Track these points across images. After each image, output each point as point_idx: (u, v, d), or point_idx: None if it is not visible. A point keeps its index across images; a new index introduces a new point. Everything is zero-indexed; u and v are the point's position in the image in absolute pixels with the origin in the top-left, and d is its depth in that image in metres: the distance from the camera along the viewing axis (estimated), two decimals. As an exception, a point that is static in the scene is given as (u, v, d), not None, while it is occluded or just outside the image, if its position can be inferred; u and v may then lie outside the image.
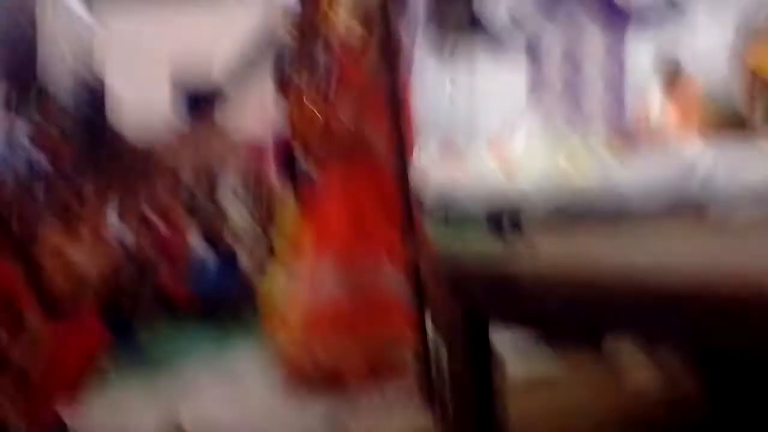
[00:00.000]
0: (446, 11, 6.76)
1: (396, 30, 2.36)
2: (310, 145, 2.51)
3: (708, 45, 5.20)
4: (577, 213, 2.78)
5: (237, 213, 5.21)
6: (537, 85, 6.36)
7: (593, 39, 6.03)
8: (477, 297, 1.71)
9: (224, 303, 3.89)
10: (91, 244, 3.72)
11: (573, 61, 6.15)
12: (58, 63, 10.28)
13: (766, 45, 3.79)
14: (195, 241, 4.70)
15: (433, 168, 3.61)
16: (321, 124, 2.43)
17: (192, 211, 5.02)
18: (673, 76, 4.83)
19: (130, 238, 4.01)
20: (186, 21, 11.70)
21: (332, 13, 2.47)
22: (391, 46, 2.30)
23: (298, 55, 2.51)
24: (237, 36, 11.05)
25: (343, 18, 2.45)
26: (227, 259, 4.06)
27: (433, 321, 1.72)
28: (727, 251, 1.49)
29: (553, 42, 6.28)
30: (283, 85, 2.57)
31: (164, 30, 11.67)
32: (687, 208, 2.27)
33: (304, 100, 2.48)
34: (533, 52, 6.41)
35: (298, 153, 2.58)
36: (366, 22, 2.46)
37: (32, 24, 9.15)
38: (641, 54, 5.67)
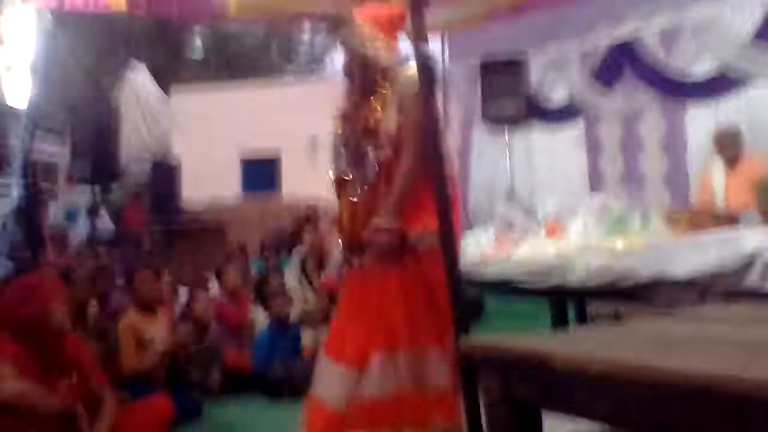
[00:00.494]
0: (503, 88, 6.94)
1: (437, 118, 2.45)
2: (354, 242, 2.60)
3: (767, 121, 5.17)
4: (632, 297, 2.78)
5: (301, 290, 5.32)
6: (596, 164, 6.41)
7: (652, 115, 6.05)
8: (528, 387, 1.74)
9: (286, 380, 3.97)
10: (165, 323, 3.92)
11: (632, 140, 6.17)
12: (135, 141, 10.96)
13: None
14: (260, 317, 4.84)
15: (490, 249, 3.68)
16: (365, 220, 2.54)
17: (258, 286, 5.18)
18: (735, 152, 4.78)
19: (199, 315, 4.18)
20: (251, 99, 12.38)
21: (379, 109, 2.58)
22: (435, 138, 2.39)
23: (348, 150, 2.64)
24: (301, 113, 11.61)
25: (389, 113, 2.56)
26: (290, 335, 4.16)
27: (486, 411, 1.75)
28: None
29: (611, 120, 6.33)
30: (337, 181, 2.69)
31: (231, 108, 12.38)
32: (745, 297, 2.25)
33: (352, 198, 2.60)
34: (592, 131, 6.48)
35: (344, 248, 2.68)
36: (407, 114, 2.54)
37: (113, 105, 9.82)
38: (701, 129, 5.65)
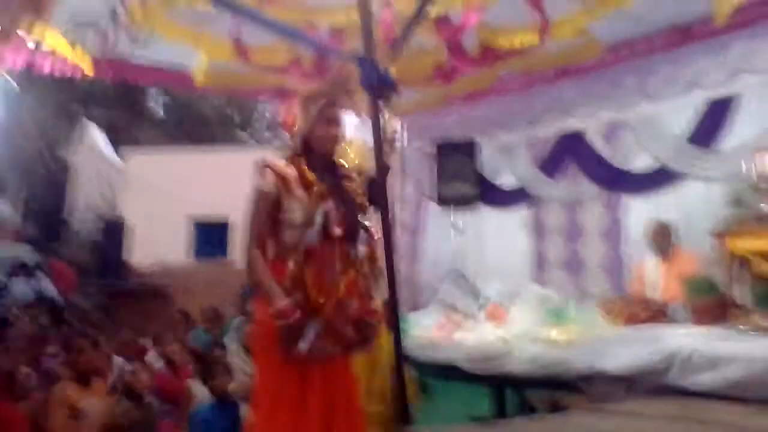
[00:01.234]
0: (457, 169, 7.19)
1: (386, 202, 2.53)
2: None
3: (700, 215, 5.46)
4: (567, 388, 2.87)
5: (241, 360, 5.23)
6: (540, 247, 6.63)
7: (593, 204, 6.33)
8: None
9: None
10: (100, 394, 3.82)
11: (574, 226, 6.42)
12: (85, 201, 10.81)
13: (745, 225, 4.00)
14: (197, 388, 4.73)
15: (434, 331, 3.76)
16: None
17: (199, 359, 5.09)
18: (667, 245, 5.02)
19: (137, 387, 4.08)
20: (205, 164, 12.43)
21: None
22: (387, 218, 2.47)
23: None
24: (248, 173, 11.61)
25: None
26: (230, 412, 4.08)
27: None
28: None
29: (555, 206, 6.59)
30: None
31: (185, 171, 12.39)
32: (667, 393, 2.37)
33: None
34: (537, 216, 6.73)
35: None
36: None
37: (66, 165, 9.72)
38: (639, 220, 5.92)
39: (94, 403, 3.71)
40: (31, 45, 3.95)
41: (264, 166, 2.62)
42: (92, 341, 3.93)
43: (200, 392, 4.56)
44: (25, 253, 8.90)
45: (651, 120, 5.94)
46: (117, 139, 13.24)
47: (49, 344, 4.97)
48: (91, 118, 13.34)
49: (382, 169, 2.47)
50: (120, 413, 3.92)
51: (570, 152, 6.51)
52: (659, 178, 5.89)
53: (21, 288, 8.39)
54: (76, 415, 3.69)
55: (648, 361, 2.49)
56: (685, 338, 2.55)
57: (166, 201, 11.50)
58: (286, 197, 2.54)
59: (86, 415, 3.65)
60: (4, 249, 9.71)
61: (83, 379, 3.83)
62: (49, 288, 8.44)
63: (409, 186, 7.86)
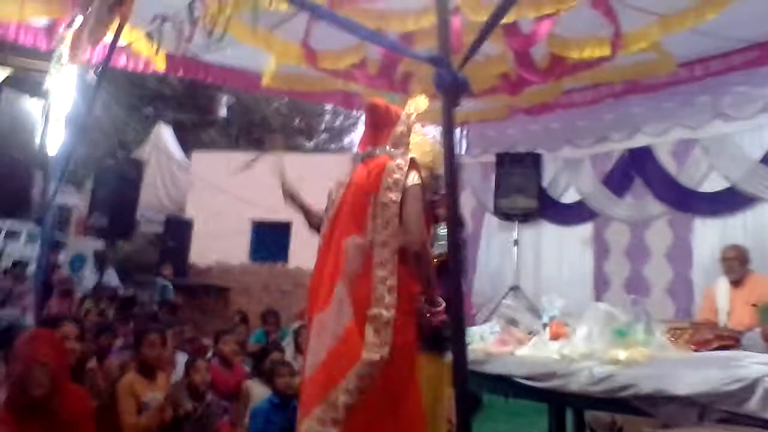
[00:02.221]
0: (517, 182, 7.12)
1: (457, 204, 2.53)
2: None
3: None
4: (631, 409, 2.80)
5: (295, 364, 5.28)
6: (602, 266, 6.49)
7: (659, 224, 6.18)
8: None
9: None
10: (163, 387, 3.92)
11: (639, 246, 6.26)
12: (152, 198, 11.17)
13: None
14: (256, 389, 4.81)
15: (493, 345, 3.72)
16: None
17: (259, 358, 5.16)
18: (741, 271, 4.84)
19: (197, 382, 4.17)
20: (265, 164, 12.65)
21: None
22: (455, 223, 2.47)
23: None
24: (316, 184, 11.81)
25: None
26: (290, 410, 4.13)
27: None
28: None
29: (620, 225, 6.45)
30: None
31: (245, 174, 12.64)
32: (743, 422, 2.28)
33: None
34: (600, 234, 6.60)
35: None
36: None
37: (136, 162, 10.05)
38: (707, 242, 5.75)
39: (158, 396, 3.81)
40: (107, 39, 4.11)
41: (414, 164, 2.64)
42: (160, 336, 4.04)
43: (260, 392, 4.63)
44: (93, 246, 9.26)
45: (724, 139, 5.78)
46: (183, 140, 13.65)
47: (118, 337, 5.14)
48: (160, 118, 13.80)
49: (455, 176, 2.46)
50: (181, 408, 4.03)
51: (637, 169, 6.38)
52: (731, 201, 5.72)
53: (89, 280, 8.73)
54: (139, 408, 3.80)
55: (724, 387, 2.40)
56: (765, 366, 2.45)
57: (229, 202, 11.76)
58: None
59: (149, 408, 3.75)
60: (74, 241, 10.12)
61: (148, 372, 3.94)
62: (115, 281, 8.76)
63: (468, 197, 7.83)
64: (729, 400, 2.38)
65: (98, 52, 5.17)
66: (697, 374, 2.51)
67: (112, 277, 9.07)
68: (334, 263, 2.66)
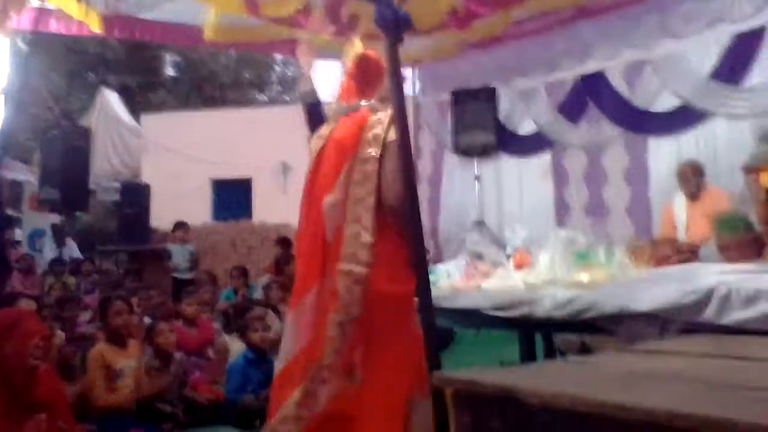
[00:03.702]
0: (474, 118, 7.10)
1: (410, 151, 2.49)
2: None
3: (727, 154, 5.36)
4: (596, 329, 2.87)
5: (269, 313, 5.31)
6: (562, 194, 6.56)
7: (615, 148, 6.24)
8: (498, 420, 1.80)
9: (258, 410, 3.96)
10: (135, 354, 3.90)
11: (597, 171, 6.33)
12: (105, 166, 10.89)
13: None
14: (234, 346, 4.83)
15: (460, 280, 3.76)
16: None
17: (235, 314, 5.17)
18: (696, 185, 4.94)
19: (162, 345, 4.17)
20: (222, 123, 12.41)
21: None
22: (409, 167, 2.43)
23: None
24: (271, 138, 11.66)
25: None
26: (265, 365, 4.15)
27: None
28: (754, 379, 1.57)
29: (577, 152, 6.50)
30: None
31: (201, 132, 12.39)
32: (702, 331, 2.35)
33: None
34: (558, 162, 6.64)
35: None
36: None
37: (83, 130, 9.73)
38: (663, 161, 5.83)
39: (130, 363, 3.79)
40: (35, 3, 3.89)
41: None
42: (126, 304, 4.00)
43: (235, 348, 4.66)
44: (51, 220, 9.04)
45: (674, 58, 5.80)
46: (132, 103, 13.25)
47: (82, 307, 5.08)
48: (105, 84, 13.33)
49: (402, 115, 2.41)
50: (152, 372, 4.03)
51: (591, 95, 6.39)
52: (684, 118, 5.78)
53: (49, 254, 8.55)
54: (113, 376, 3.78)
55: (682, 300, 2.47)
56: (720, 276, 2.52)
57: (185, 162, 11.54)
58: None
59: (123, 376, 3.74)
60: (29, 217, 9.86)
61: (118, 340, 3.91)
62: (76, 253, 8.59)
63: (426, 137, 7.79)
64: (687, 311, 2.45)
65: (25, 19, 4.92)
66: (656, 290, 2.58)
67: (72, 250, 8.90)
68: (315, 223, 2.62)
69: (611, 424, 1.49)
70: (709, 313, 2.39)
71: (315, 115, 2.91)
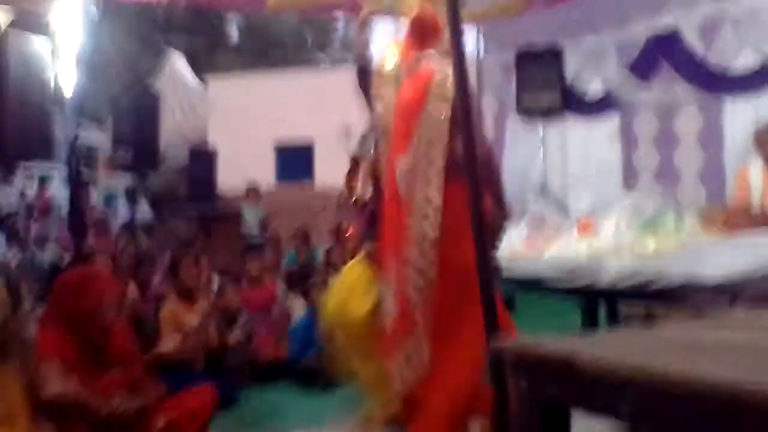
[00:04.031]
0: (539, 79, 6.91)
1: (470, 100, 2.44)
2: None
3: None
4: (662, 299, 2.79)
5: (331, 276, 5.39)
6: (630, 158, 6.35)
7: (689, 110, 5.97)
8: (555, 387, 1.79)
9: (320, 369, 4.06)
10: (203, 311, 4.05)
11: (668, 134, 6.09)
12: (173, 129, 11.18)
13: None
14: (293, 305, 4.95)
15: (522, 246, 3.71)
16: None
17: (299, 276, 5.28)
18: (774, 149, 4.69)
19: (229, 303, 4.30)
20: (285, 87, 12.49)
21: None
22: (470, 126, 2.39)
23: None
24: (334, 102, 11.68)
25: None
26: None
27: (514, 410, 1.81)
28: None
29: (647, 114, 6.26)
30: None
31: (265, 96, 12.51)
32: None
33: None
34: (627, 125, 6.42)
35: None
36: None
37: (152, 93, 9.99)
38: (740, 125, 5.56)
39: (197, 319, 3.94)
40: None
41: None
42: (195, 262, 4.14)
43: (298, 309, 4.78)
44: (124, 182, 9.38)
45: (754, 13, 5.47)
46: (198, 66, 13.50)
47: (154, 265, 5.28)
48: (171, 47, 13.61)
49: (465, 77, 2.36)
50: (218, 329, 4.18)
51: (664, 53, 6.11)
52: (764, 78, 5.47)
53: (123, 215, 8.90)
54: (181, 331, 3.93)
55: (755, 270, 2.37)
56: (797, 245, 2.40)
57: (249, 125, 11.74)
58: None
59: (189, 331, 3.89)
60: (104, 179, 10.26)
61: (187, 296, 4.06)
62: (147, 213, 8.92)
63: (489, 98, 7.63)
64: (760, 282, 2.35)
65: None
66: (728, 258, 2.48)
67: (145, 212, 9.24)
68: (392, 187, 2.64)
69: (672, 395, 1.46)
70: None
71: (365, 77, 2.91)
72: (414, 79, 2.68)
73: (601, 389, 1.64)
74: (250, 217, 8.31)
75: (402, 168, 2.57)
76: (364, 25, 2.99)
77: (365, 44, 2.96)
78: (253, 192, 8.81)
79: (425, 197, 2.49)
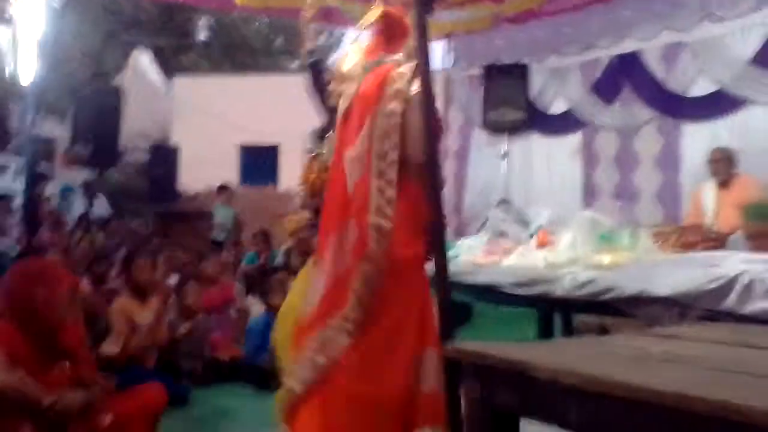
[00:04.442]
0: (506, 94, 7.02)
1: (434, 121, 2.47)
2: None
3: (760, 142, 5.24)
4: (615, 311, 2.86)
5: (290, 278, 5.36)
6: (591, 176, 6.49)
7: (648, 131, 6.13)
8: (508, 393, 1.81)
9: (276, 370, 4.02)
10: (157, 309, 3.98)
11: (628, 154, 6.24)
12: (135, 125, 10.99)
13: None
14: (254, 308, 4.90)
15: (481, 256, 3.76)
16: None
17: (257, 277, 5.24)
18: (727, 173, 4.85)
19: (188, 303, 4.25)
20: (252, 89, 12.42)
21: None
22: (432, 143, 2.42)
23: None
24: (301, 105, 11.60)
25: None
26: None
27: (466, 414, 1.82)
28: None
29: (609, 133, 6.40)
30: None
31: (232, 96, 12.42)
32: (722, 318, 2.33)
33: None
34: (589, 143, 6.55)
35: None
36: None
37: (116, 88, 9.83)
38: (696, 147, 5.72)
39: (149, 317, 3.88)
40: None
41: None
42: (150, 261, 4.08)
43: (255, 310, 4.73)
44: (82, 176, 9.19)
45: (714, 42, 5.66)
46: (164, 65, 13.31)
47: (112, 264, 5.18)
48: (138, 43, 13.40)
49: (428, 87, 2.39)
50: (172, 327, 4.11)
51: (626, 76, 6.27)
52: (719, 104, 5.65)
53: (79, 211, 8.70)
54: (132, 328, 3.87)
55: (704, 286, 2.45)
56: (744, 264, 2.48)
57: (214, 126, 11.60)
58: None
59: (142, 329, 3.83)
60: (61, 173, 10.03)
61: (141, 294, 4.00)
62: (105, 208, 8.75)
63: (455, 111, 7.72)
64: (708, 298, 2.42)
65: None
66: (678, 275, 2.55)
67: (102, 207, 9.05)
68: (339, 178, 2.63)
69: (620, 403, 1.49)
70: (730, 302, 2.37)
71: (318, 77, 2.93)
72: (373, 74, 2.69)
73: (552, 396, 1.68)
74: (222, 217, 8.21)
75: (349, 158, 2.58)
76: (307, 24, 3.02)
77: (311, 44, 2.98)
78: (225, 191, 8.72)
79: (379, 188, 2.50)
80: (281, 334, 3.00)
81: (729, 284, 2.39)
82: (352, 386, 2.45)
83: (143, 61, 11.95)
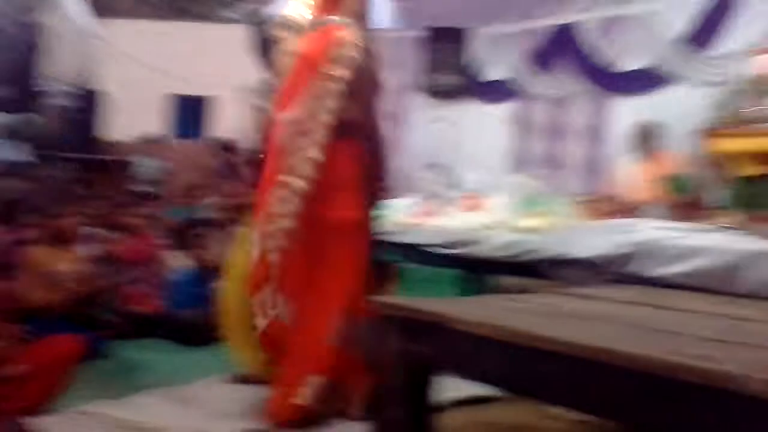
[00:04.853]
0: (445, 60, 7.02)
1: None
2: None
3: (688, 119, 5.45)
4: (534, 273, 2.95)
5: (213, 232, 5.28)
6: (522, 144, 6.61)
7: (579, 102, 6.28)
8: (423, 345, 1.86)
9: (197, 326, 3.98)
10: (75, 260, 3.85)
11: (558, 124, 6.38)
12: (58, 67, 10.43)
13: (728, 131, 4.02)
14: (176, 258, 4.80)
15: (411, 215, 3.80)
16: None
17: (182, 232, 5.12)
18: (649, 146, 5.03)
19: (105, 250, 4.13)
20: (186, 38, 11.98)
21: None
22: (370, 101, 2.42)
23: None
24: (235, 56, 11.29)
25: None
26: (206, 276, 4.15)
27: (385, 365, 1.86)
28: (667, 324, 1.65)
29: (541, 103, 6.52)
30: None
31: (165, 45, 11.95)
32: (631, 281, 2.44)
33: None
34: (522, 111, 6.66)
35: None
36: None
37: (36, 29, 9.28)
38: (624, 121, 5.89)
39: (68, 267, 3.75)
40: None
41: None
42: (71, 207, 3.92)
43: (178, 262, 4.64)
44: (-1, 119, 8.68)
45: (648, 18, 5.79)
46: (96, 6, 12.63)
47: (28, 211, 4.95)
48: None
49: (371, 52, 2.40)
50: (90, 278, 3.99)
51: (562, 46, 6.36)
52: (648, 80, 5.81)
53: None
54: (52, 280, 3.73)
55: (614, 251, 2.56)
56: (655, 231, 2.60)
57: (146, 75, 11.18)
58: None
59: (60, 279, 3.69)
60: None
61: (59, 243, 3.85)
62: (23, 155, 8.31)
63: (393, 73, 7.65)
64: (617, 262, 2.54)
65: None
66: (595, 239, 2.66)
67: (21, 153, 8.61)
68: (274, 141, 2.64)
69: (530, 353, 1.55)
70: (634, 265, 2.49)
71: (259, 29, 2.92)
72: (316, 36, 2.66)
73: (465, 346, 1.73)
74: (146, 169, 7.91)
75: (284, 122, 2.56)
76: None
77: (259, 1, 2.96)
78: (151, 143, 8.37)
79: (301, 147, 2.50)
80: (230, 291, 2.97)
81: (635, 248, 2.51)
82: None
83: (72, 1, 11.29)
